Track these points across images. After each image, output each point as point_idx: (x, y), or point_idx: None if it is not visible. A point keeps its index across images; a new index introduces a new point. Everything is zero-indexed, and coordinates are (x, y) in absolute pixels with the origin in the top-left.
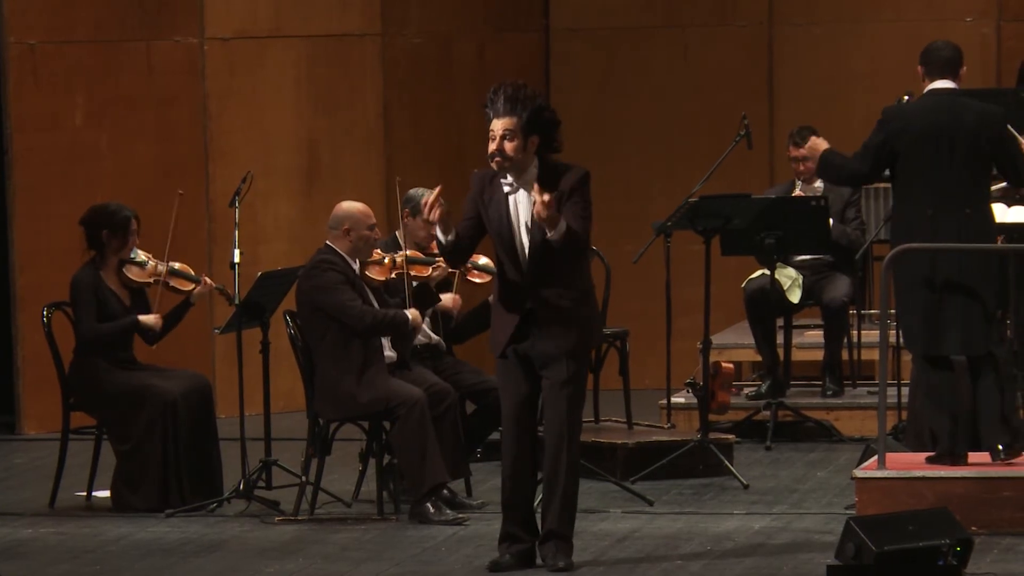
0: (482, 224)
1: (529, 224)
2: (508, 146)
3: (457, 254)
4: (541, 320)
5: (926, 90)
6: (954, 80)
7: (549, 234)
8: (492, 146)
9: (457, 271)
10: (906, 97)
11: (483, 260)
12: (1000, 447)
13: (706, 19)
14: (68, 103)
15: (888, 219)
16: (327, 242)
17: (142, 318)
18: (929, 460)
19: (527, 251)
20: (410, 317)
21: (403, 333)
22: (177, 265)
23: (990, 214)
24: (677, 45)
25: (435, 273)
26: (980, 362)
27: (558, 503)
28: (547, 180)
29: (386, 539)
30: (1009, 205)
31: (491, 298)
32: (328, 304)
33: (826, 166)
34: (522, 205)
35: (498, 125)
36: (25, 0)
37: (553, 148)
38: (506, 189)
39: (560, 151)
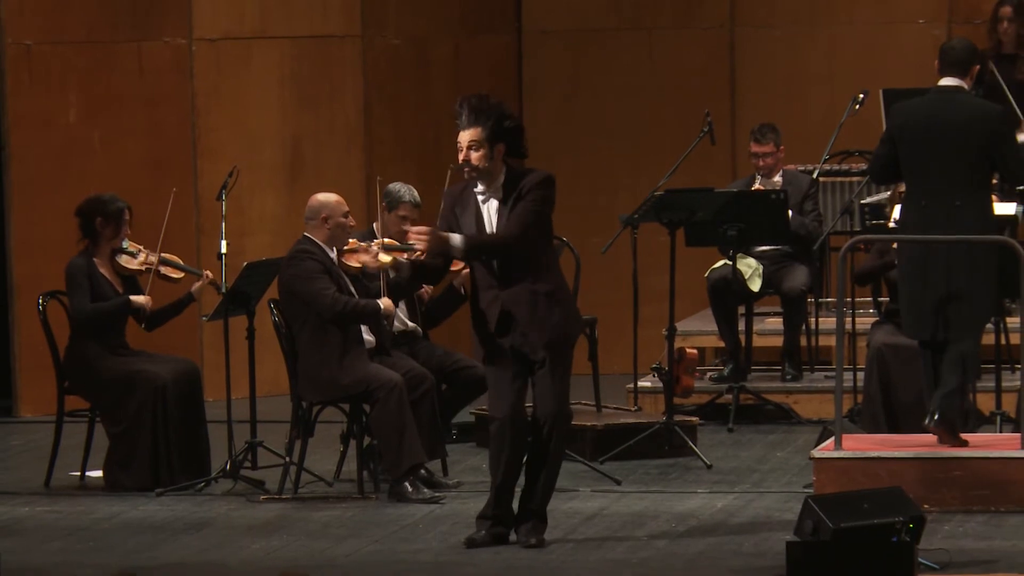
0: None
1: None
2: (474, 156)
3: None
4: (518, 317)
5: (934, 87)
6: (961, 78)
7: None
8: (460, 156)
9: None
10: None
11: None
12: (936, 415)
13: (670, 22)
14: (62, 102)
15: (844, 211)
16: (305, 233)
17: (133, 298)
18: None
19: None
20: (382, 306)
21: (375, 321)
22: (168, 256)
23: (986, 207)
24: (643, 46)
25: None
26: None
27: (548, 484)
28: (511, 186)
29: (366, 517)
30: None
31: (456, 283)
32: (302, 291)
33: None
34: (493, 212)
35: (464, 136)
36: (22, 2)
37: (520, 154)
38: (480, 198)
39: (526, 156)
